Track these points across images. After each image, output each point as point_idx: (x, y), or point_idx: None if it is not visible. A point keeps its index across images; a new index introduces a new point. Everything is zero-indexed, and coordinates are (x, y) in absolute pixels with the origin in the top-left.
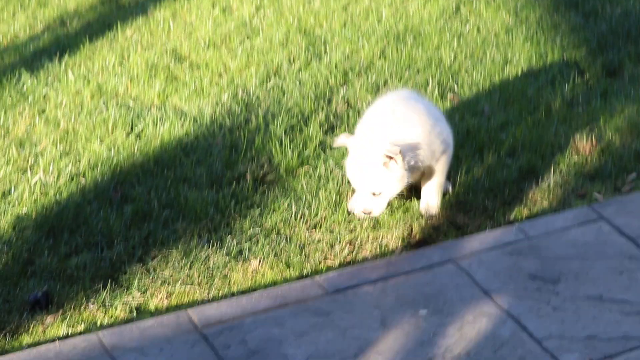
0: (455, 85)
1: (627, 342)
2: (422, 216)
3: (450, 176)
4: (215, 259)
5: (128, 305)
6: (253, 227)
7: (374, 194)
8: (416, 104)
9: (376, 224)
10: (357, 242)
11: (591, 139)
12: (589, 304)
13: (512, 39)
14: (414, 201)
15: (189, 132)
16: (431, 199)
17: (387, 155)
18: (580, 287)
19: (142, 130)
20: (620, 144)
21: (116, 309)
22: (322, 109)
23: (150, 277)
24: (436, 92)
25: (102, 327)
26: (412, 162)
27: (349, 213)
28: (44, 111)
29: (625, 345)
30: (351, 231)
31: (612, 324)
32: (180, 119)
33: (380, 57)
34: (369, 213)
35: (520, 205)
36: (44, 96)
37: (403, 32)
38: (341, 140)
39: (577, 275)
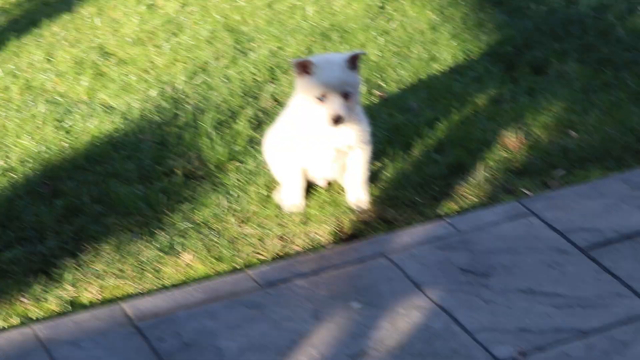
0: (382, 83)
1: (558, 335)
2: (351, 210)
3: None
4: (147, 253)
5: (61, 299)
6: (184, 222)
7: (345, 95)
8: None
9: (306, 218)
10: (288, 237)
11: (519, 135)
12: (520, 297)
13: (438, 37)
14: (343, 194)
15: (118, 128)
16: (361, 192)
17: (352, 56)
18: (511, 281)
19: (71, 126)
20: (548, 140)
21: (49, 302)
22: (250, 105)
23: (83, 271)
24: (364, 89)
25: (36, 320)
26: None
27: (278, 208)
28: None
29: (556, 338)
30: (281, 226)
31: (544, 317)
32: (109, 114)
33: (306, 54)
34: (340, 119)
35: (450, 201)
36: None
37: (329, 29)
38: (300, 60)
39: (508, 269)
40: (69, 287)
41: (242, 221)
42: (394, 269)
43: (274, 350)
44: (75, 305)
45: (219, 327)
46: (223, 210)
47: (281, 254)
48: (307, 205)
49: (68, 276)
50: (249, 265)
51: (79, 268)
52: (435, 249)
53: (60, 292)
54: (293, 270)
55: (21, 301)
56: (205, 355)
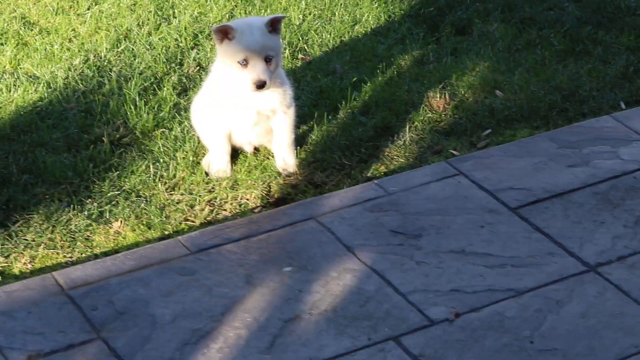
0: (306, 46)
1: (492, 295)
2: (279, 175)
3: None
4: (77, 222)
5: None
6: (112, 190)
7: (267, 59)
8: None
9: (234, 184)
10: (216, 202)
11: (444, 96)
12: (452, 257)
13: None
14: (271, 159)
15: (43, 97)
16: (287, 156)
17: (273, 19)
18: (443, 242)
19: None
20: (474, 100)
21: None
22: (175, 71)
23: (13, 242)
24: (287, 52)
25: None
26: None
27: (206, 174)
28: None
29: (490, 298)
30: (210, 191)
31: (476, 277)
32: (33, 84)
33: (229, 18)
34: (264, 84)
35: (377, 163)
36: None
37: None
38: (220, 26)
39: (438, 230)
40: (0, 258)
41: (171, 188)
42: (325, 232)
43: (207, 316)
44: (6, 276)
45: (151, 294)
46: (151, 177)
47: (211, 219)
48: (235, 171)
49: None
50: (178, 232)
51: (9, 238)
52: (365, 211)
53: None
54: (223, 235)
55: None
56: (138, 323)
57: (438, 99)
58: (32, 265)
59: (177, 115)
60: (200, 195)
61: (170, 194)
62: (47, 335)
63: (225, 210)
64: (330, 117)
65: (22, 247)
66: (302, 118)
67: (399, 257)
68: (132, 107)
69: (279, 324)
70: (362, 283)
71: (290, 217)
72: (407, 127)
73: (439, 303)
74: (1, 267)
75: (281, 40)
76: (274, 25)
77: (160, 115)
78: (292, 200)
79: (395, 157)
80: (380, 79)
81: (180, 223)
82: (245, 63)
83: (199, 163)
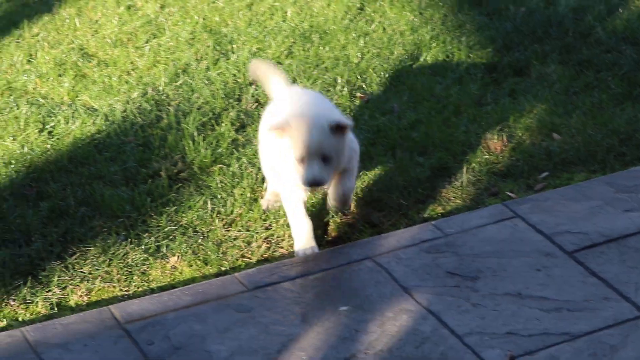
0: (364, 84)
1: (547, 338)
2: (337, 214)
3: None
4: (134, 255)
5: (49, 302)
6: (169, 225)
7: (324, 158)
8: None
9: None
10: (273, 240)
11: (502, 137)
12: (508, 300)
13: (418, 38)
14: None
15: (100, 130)
16: (341, 200)
17: (339, 124)
18: (499, 284)
19: (54, 128)
20: (531, 142)
21: (37, 305)
22: (233, 107)
23: (70, 274)
24: (345, 90)
25: (24, 322)
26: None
27: (264, 212)
28: None
29: (545, 342)
30: (267, 229)
31: (532, 321)
32: (91, 116)
33: (287, 55)
34: (318, 183)
35: (434, 203)
36: None
37: (309, 30)
38: (280, 123)
39: (495, 272)
40: (56, 290)
41: (228, 224)
42: (381, 272)
43: (263, 354)
44: (63, 308)
45: (207, 330)
46: (208, 213)
47: (267, 257)
48: None
49: (55, 279)
50: (235, 268)
51: (66, 270)
52: (422, 252)
53: (48, 295)
54: (280, 273)
55: (9, 303)
56: (194, 359)
57: (495, 141)
58: (89, 298)
59: (235, 151)
60: (257, 232)
61: (227, 230)
62: None
63: (282, 247)
64: (387, 157)
65: (79, 279)
66: (360, 157)
67: (455, 298)
68: (190, 142)
69: None
70: (418, 324)
71: (347, 257)
72: (464, 168)
73: (495, 346)
74: (57, 299)
75: (339, 78)
76: (337, 129)
77: (218, 151)
78: (349, 240)
79: (452, 198)
80: (437, 118)
81: (237, 259)
82: (302, 160)
83: (256, 200)
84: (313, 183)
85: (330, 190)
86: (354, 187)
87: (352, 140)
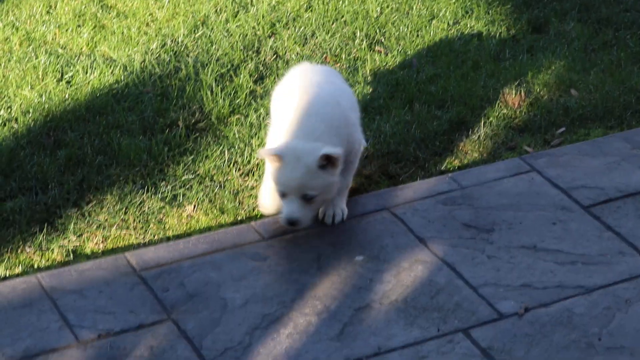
0: (383, 38)
1: (561, 291)
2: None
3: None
4: (150, 204)
5: (64, 249)
6: (186, 174)
7: (305, 197)
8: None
9: None
10: None
11: (520, 92)
12: (523, 253)
13: None
14: None
15: (119, 80)
16: (338, 203)
17: (326, 157)
18: (514, 237)
19: (72, 78)
20: (548, 98)
21: (53, 252)
22: (251, 59)
23: (86, 222)
24: (364, 44)
25: (39, 269)
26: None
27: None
28: None
29: (559, 294)
30: None
31: (547, 273)
32: (110, 66)
33: (306, 9)
34: (295, 223)
35: (452, 157)
36: None
37: None
38: (266, 152)
39: (510, 225)
40: (73, 237)
41: (245, 174)
42: (397, 223)
43: (278, 301)
44: (79, 255)
45: (223, 278)
46: (225, 163)
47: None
48: None
49: (71, 226)
50: (251, 218)
51: (82, 218)
52: (438, 204)
53: (64, 242)
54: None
55: (25, 250)
56: (209, 306)
57: (513, 96)
58: (104, 245)
59: (253, 102)
60: None
61: (244, 180)
62: (118, 315)
63: None
64: (405, 110)
65: (95, 227)
66: (378, 109)
67: (470, 250)
68: (209, 92)
69: (349, 312)
70: (433, 275)
71: (363, 207)
72: (482, 122)
73: (509, 297)
74: (73, 246)
75: (358, 32)
76: (326, 160)
77: (236, 102)
78: (365, 191)
79: (469, 151)
80: (456, 73)
81: (253, 209)
82: (282, 195)
83: None
84: (290, 223)
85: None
86: (350, 184)
87: (358, 133)
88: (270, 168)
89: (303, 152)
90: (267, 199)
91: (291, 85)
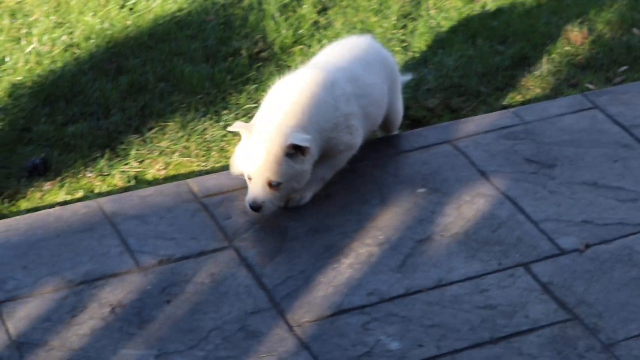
0: None
1: (622, 228)
2: (418, 96)
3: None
4: (212, 131)
5: (126, 175)
6: (249, 102)
7: (270, 184)
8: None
9: None
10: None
11: (582, 30)
12: (585, 189)
13: None
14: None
15: (182, 8)
16: (306, 190)
17: (294, 145)
18: (576, 173)
19: (135, 5)
20: (611, 36)
21: (114, 177)
22: None
23: (148, 148)
24: None
25: (100, 194)
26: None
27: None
28: None
29: (620, 231)
30: None
31: (608, 210)
32: None
33: None
34: (258, 208)
35: (514, 92)
36: None
37: None
38: (237, 126)
39: (572, 161)
40: (134, 163)
41: None
42: (460, 156)
43: (339, 232)
44: (140, 181)
45: (284, 208)
46: None
47: None
48: None
49: (133, 152)
50: None
51: (144, 144)
52: (500, 138)
53: (125, 168)
54: (359, 153)
55: (86, 175)
56: (271, 235)
57: (576, 33)
58: (166, 172)
59: (316, 33)
60: None
61: None
62: (179, 241)
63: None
64: (467, 44)
65: (157, 153)
66: (440, 43)
67: (532, 185)
68: (272, 22)
69: (411, 243)
70: (495, 209)
71: (426, 140)
72: (544, 58)
73: (570, 233)
74: (135, 172)
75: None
76: (295, 149)
77: (300, 32)
78: (428, 123)
79: (531, 87)
80: (519, 9)
81: None
82: (249, 178)
83: None
84: (252, 207)
85: None
86: (327, 178)
87: (349, 136)
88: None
89: (270, 136)
90: (238, 162)
91: (311, 62)
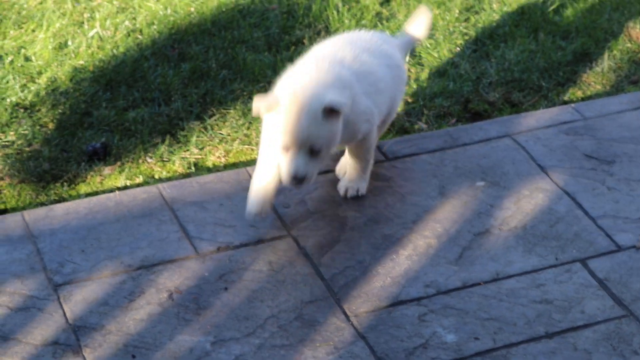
0: None
1: None
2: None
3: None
4: None
5: (186, 161)
6: None
7: (312, 151)
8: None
9: (433, 94)
10: (413, 113)
11: None
12: None
13: None
14: (466, 74)
15: None
16: (355, 180)
17: (327, 108)
18: (635, 170)
19: None
20: None
21: (174, 163)
22: None
23: (208, 135)
24: None
25: (160, 180)
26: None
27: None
28: None
29: None
30: (407, 103)
31: None
32: None
33: None
34: (302, 179)
35: (574, 87)
36: None
37: None
38: (266, 100)
39: (631, 158)
40: (194, 150)
41: None
42: (519, 150)
43: (398, 222)
44: (200, 168)
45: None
46: None
47: (406, 129)
48: (430, 85)
49: (193, 138)
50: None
51: (205, 131)
52: (560, 134)
53: (185, 154)
54: (419, 145)
55: (146, 161)
56: (329, 224)
57: (637, 30)
58: (226, 159)
59: (379, 24)
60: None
61: None
62: (238, 229)
63: (421, 120)
64: (530, 39)
65: (217, 140)
66: (503, 37)
67: (591, 181)
68: (335, 12)
69: (469, 236)
70: (553, 203)
71: (486, 133)
72: (606, 54)
73: (628, 230)
74: (195, 158)
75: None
76: (330, 112)
77: (362, 22)
78: (488, 117)
79: (592, 83)
80: (581, 5)
81: None
82: (285, 149)
83: None
84: (296, 179)
85: (342, 166)
86: (370, 162)
87: (365, 111)
88: (268, 131)
89: (308, 97)
90: (254, 196)
91: (316, 54)
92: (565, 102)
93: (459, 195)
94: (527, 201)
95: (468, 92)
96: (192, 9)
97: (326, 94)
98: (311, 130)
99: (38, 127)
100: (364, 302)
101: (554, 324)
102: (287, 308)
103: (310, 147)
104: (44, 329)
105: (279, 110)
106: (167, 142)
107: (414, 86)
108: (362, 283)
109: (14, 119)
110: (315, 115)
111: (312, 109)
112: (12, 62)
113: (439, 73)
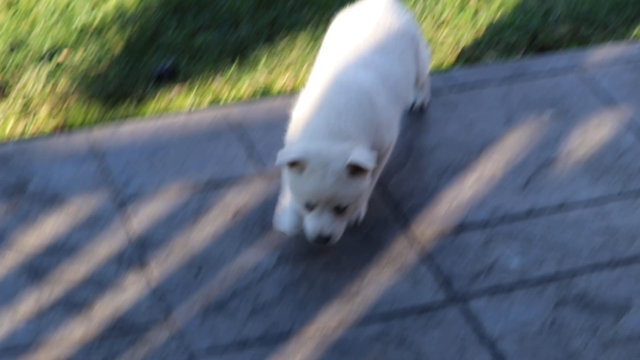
0: None
1: None
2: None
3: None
4: None
5: (254, 84)
6: None
7: (337, 209)
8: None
9: (501, 26)
10: (481, 43)
11: None
12: None
13: None
14: (539, 9)
15: None
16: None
17: (355, 165)
18: None
19: None
20: None
21: (242, 86)
22: None
23: (276, 59)
24: None
25: (227, 102)
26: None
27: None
28: None
29: None
30: (476, 32)
31: None
32: None
33: None
34: (327, 240)
35: None
36: None
37: None
38: (286, 157)
39: None
40: (263, 73)
41: (437, 25)
42: (587, 83)
43: (465, 150)
44: (268, 91)
45: (410, 122)
46: (419, 13)
47: (475, 59)
48: (501, 16)
49: (262, 62)
50: (442, 68)
51: (273, 56)
52: (628, 69)
53: (254, 76)
54: (487, 75)
55: (215, 81)
56: (395, 148)
57: None
58: (293, 84)
59: None
60: (465, 34)
61: (436, 32)
62: None
63: (490, 49)
64: None
65: (285, 65)
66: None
67: None
68: None
69: (535, 165)
70: (620, 136)
71: (554, 66)
72: None
73: None
74: (264, 82)
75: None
76: (355, 169)
77: None
78: (556, 51)
79: None
80: None
81: (446, 59)
82: (309, 208)
83: (463, 7)
84: (321, 240)
85: None
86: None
87: (389, 126)
88: (287, 175)
89: (331, 156)
90: (286, 216)
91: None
92: (634, 38)
93: (526, 126)
94: (594, 133)
95: (536, 26)
96: None
97: (351, 152)
98: (336, 190)
99: (106, 49)
100: (429, 225)
101: (618, 253)
102: (353, 229)
103: (336, 206)
104: (110, 243)
105: (305, 168)
106: (235, 64)
107: (483, 16)
108: (428, 207)
109: (81, 40)
110: (340, 174)
111: (337, 168)
112: None
113: (507, 6)
